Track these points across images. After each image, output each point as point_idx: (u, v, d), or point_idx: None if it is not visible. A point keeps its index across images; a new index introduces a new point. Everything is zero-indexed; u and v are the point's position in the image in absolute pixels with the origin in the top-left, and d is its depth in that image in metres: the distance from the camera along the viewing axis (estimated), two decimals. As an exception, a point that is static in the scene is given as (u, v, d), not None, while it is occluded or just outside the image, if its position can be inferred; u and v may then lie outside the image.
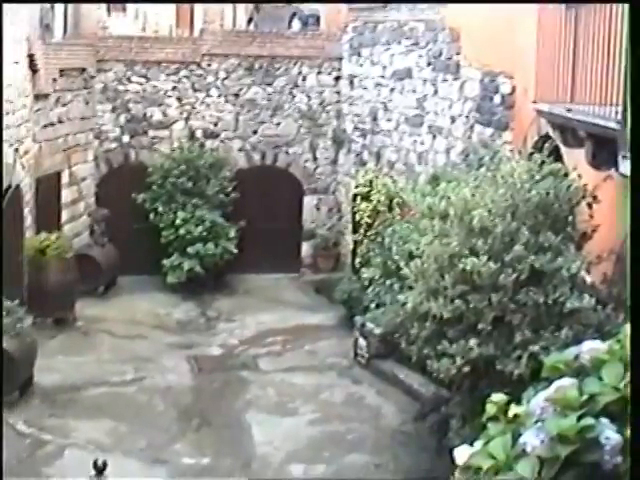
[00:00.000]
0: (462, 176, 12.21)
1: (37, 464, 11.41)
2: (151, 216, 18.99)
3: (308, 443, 12.22)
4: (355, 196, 18.24)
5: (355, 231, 18.01)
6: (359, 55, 19.43)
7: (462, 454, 3.24)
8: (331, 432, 12.45)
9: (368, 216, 17.20)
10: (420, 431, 11.91)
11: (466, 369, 9.31)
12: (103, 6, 23.78)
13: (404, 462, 11.56)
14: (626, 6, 7.59)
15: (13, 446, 11.80)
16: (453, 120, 15.79)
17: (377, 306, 14.70)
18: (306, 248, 20.63)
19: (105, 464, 7.71)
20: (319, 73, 20.24)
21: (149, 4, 28.26)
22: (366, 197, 17.42)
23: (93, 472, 7.69)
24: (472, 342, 9.19)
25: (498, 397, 3.29)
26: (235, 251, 18.72)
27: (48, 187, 17.43)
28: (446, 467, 4.75)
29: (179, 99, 20.07)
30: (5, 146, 14.72)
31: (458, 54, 15.56)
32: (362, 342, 14.77)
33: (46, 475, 11.08)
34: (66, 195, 18.58)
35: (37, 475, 11.08)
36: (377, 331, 14.39)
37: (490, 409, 3.30)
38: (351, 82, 19.86)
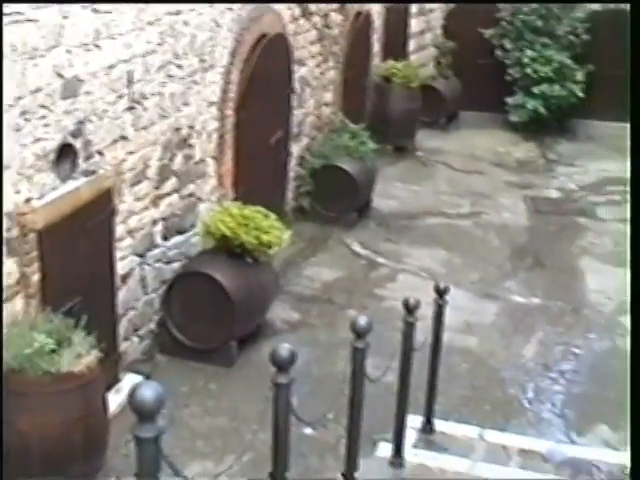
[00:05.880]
0: None
1: (370, 284, 11.71)
2: (497, 52, 18.60)
3: (641, 297, 11.80)
4: None
5: None
6: None
7: None
8: (666, 289, 11.89)
9: None
10: None
11: None
12: None
13: None
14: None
15: (348, 265, 12.23)
16: None
17: None
18: (658, 97, 19.52)
19: (447, 288, 7.69)
20: None
21: None
22: None
23: (434, 296, 7.68)
24: None
25: None
26: (581, 95, 18.00)
27: (397, 16, 17.33)
28: None
29: None
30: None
31: None
32: None
33: (378, 296, 11.33)
34: (414, 25, 18.47)
35: (369, 295, 11.37)
36: None
37: None
38: None
